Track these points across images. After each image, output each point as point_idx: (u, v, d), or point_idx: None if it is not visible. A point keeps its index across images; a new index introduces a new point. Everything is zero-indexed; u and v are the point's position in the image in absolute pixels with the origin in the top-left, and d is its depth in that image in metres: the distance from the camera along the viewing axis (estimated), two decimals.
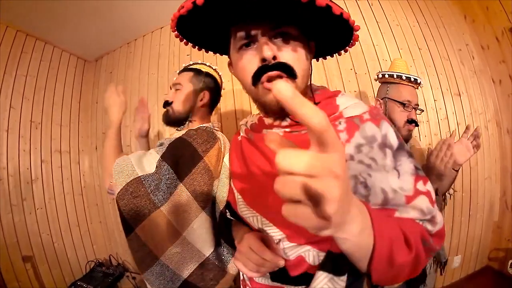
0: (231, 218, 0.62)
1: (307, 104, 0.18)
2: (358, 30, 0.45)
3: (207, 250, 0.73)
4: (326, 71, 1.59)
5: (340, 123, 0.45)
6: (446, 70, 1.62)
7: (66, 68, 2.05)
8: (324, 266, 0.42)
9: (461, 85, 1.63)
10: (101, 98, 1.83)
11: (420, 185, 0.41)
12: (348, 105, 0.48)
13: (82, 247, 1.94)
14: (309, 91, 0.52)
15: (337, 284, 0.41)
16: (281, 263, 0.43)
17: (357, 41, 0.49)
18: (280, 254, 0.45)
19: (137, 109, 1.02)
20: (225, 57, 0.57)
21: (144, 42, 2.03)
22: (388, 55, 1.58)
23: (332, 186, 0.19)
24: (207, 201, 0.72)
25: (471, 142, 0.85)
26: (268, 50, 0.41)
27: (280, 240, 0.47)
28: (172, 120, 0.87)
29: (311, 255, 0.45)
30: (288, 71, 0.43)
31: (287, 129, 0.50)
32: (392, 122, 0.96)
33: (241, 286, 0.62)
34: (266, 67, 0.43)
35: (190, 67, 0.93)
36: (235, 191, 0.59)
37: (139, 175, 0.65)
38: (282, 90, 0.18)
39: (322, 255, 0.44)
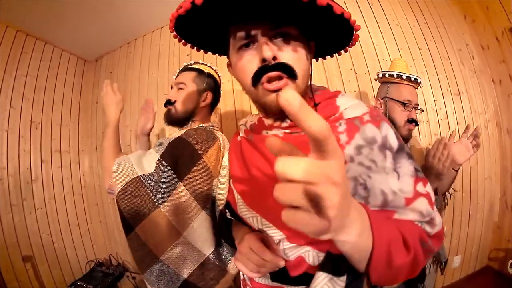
0: (231, 218, 0.62)
1: (312, 114, 0.18)
2: (358, 30, 0.44)
3: (207, 249, 0.73)
4: (326, 71, 1.59)
5: (340, 124, 0.45)
6: (446, 70, 1.62)
7: (66, 68, 2.05)
8: (324, 266, 0.42)
9: (461, 85, 1.63)
10: (100, 98, 1.84)
11: (420, 187, 0.41)
12: (348, 106, 0.48)
13: (82, 247, 1.94)
14: (309, 92, 0.52)
15: (336, 285, 0.41)
16: (281, 263, 0.43)
17: (357, 41, 0.49)
18: (280, 254, 0.45)
19: (142, 108, 1.02)
20: (225, 57, 0.57)
21: (144, 42, 2.03)
22: (388, 55, 1.58)
23: (331, 193, 0.19)
24: (207, 200, 0.72)
25: (470, 142, 0.85)
26: (268, 50, 0.41)
27: (280, 240, 0.47)
28: (174, 120, 0.86)
29: (311, 255, 0.45)
30: (288, 72, 0.43)
31: (287, 130, 0.50)
32: (392, 121, 0.96)
33: (241, 286, 0.62)
34: (266, 68, 0.42)
35: (192, 66, 0.93)
36: (234, 191, 0.59)
37: (139, 174, 0.65)
38: (291, 100, 0.17)
39: (321, 255, 0.44)
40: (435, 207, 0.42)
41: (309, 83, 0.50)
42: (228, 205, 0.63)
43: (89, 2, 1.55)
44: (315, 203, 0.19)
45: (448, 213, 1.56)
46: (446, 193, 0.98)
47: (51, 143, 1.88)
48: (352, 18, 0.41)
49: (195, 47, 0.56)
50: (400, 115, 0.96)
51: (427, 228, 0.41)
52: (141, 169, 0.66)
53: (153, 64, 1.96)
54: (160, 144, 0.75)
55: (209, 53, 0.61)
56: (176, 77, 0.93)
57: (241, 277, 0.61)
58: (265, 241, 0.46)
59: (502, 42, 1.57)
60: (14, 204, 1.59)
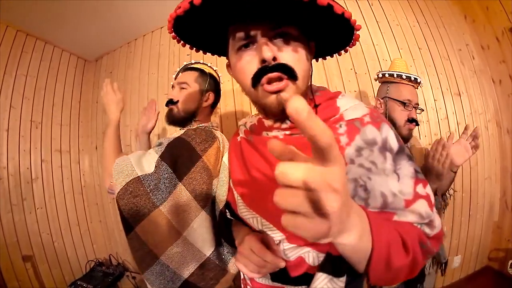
0: (231, 218, 0.62)
1: (318, 123, 0.18)
2: (359, 30, 0.44)
3: (208, 249, 0.73)
4: (326, 71, 1.59)
5: (340, 126, 0.45)
6: (446, 70, 1.62)
7: (66, 68, 2.05)
8: (324, 267, 0.42)
9: (461, 85, 1.62)
10: (100, 97, 1.85)
11: (420, 188, 0.41)
12: (349, 107, 0.48)
13: (82, 246, 1.94)
14: (309, 93, 0.51)
15: (336, 285, 0.41)
16: (282, 264, 0.43)
17: (357, 41, 0.49)
18: (280, 255, 0.45)
19: (145, 108, 1.02)
20: (225, 57, 0.57)
21: (144, 42, 2.03)
22: (388, 55, 1.58)
23: (331, 200, 0.19)
24: (207, 200, 0.72)
25: (470, 143, 0.85)
26: (268, 51, 0.40)
27: (280, 241, 0.47)
28: (176, 119, 0.86)
29: (311, 256, 0.45)
30: (288, 73, 0.42)
31: (287, 132, 0.50)
32: (393, 121, 0.96)
33: (242, 286, 0.62)
34: (266, 69, 0.42)
35: (194, 66, 0.93)
36: (234, 192, 0.59)
37: (139, 175, 0.65)
38: (299, 110, 0.17)
39: (321, 256, 0.44)
40: (434, 209, 0.42)
41: (309, 84, 0.50)
42: (228, 205, 0.63)
43: (89, 2, 1.55)
44: (315, 209, 0.19)
45: (448, 213, 1.56)
46: (446, 193, 0.98)
47: (51, 142, 1.88)
48: (352, 18, 0.40)
49: (194, 48, 0.56)
50: (400, 114, 0.96)
51: (426, 230, 0.41)
52: (141, 169, 0.66)
53: (153, 64, 1.96)
54: (160, 144, 0.75)
55: (209, 53, 0.61)
56: (177, 76, 0.93)
57: (242, 276, 0.61)
58: (266, 241, 0.46)
59: (502, 42, 1.57)
60: (14, 203, 1.59)
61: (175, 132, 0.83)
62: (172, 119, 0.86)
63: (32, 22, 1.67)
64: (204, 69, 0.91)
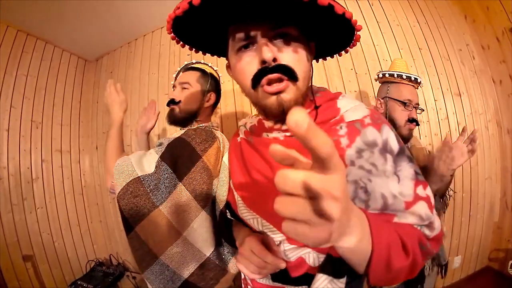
0: (231, 218, 0.62)
1: (318, 134, 0.18)
2: (360, 30, 0.44)
3: (208, 249, 0.73)
4: (326, 71, 1.59)
5: (341, 127, 0.45)
6: (446, 70, 1.62)
7: (66, 68, 2.05)
8: (324, 268, 0.42)
9: (461, 85, 1.62)
10: (101, 97, 1.83)
11: (420, 190, 0.41)
12: (349, 108, 0.48)
13: (83, 246, 1.95)
14: (310, 94, 0.51)
15: (336, 286, 0.41)
16: (282, 265, 0.43)
17: (358, 41, 0.48)
18: (280, 256, 0.45)
19: (145, 109, 1.02)
20: (224, 58, 0.57)
21: (145, 42, 2.03)
22: (388, 55, 1.58)
23: (331, 207, 0.19)
24: (207, 200, 0.72)
25: (466, 146, 0.82)
26: (268, 51, 0.40)
27: (280, 242, 0.47)
28: (178, 119, 0.86)
29: (311, 257, 0.45)
30: (288, 74, 0.42)
31: (287, 133, 0.50)
32: (393, 121, 0.96)
33: (242, 286, 0.62)
34: (266, 70, 0.41)
35: (195, 66, 0.92)
36: (235, 193, 0.59)
37: (139, 175, 0.65)
38: (300, 123, 0.17)
39: (322, 256, 0.44)
40: (434, 211, 0.42)
41: (310, 85, 0.50)
42: (228, 205, 0.63)
43: (89, 2, 1.55)
44: (316, 217, 0.19)
45: (448, 214, 1.56)
46: (446, 194, 0.97)
47: (52, 142, 1.88)
48: (353, 18, 0.40)
49: (194, 49, 0.56)
50: (401, 114, 0.96)
51: (426, 231, 0.41)
52: (141, 170, 0.66)
53: (153, 64, 1.96)
54: (160, 144, 0.75)
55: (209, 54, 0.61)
56: (178, 76, 0.93)
57: (242, 277, 0.61)
58: (266, 242, 0.46)
59: (503, 42, 1.57)
60: (15, 203, 1.59)
61: (175, 132, 0.83)
62: (174, 119, 0.86)
63: (32, 22, 1.67)
64: (205, 69, 0.91)
